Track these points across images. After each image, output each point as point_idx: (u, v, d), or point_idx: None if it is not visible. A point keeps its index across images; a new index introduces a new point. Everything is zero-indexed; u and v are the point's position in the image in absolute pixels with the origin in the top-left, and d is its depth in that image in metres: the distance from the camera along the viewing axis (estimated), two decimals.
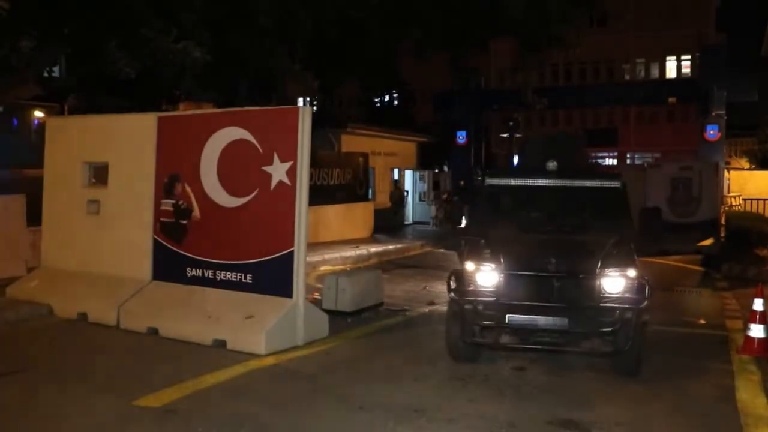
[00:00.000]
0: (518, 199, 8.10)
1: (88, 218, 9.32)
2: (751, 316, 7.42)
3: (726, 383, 6.51)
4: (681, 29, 38.43)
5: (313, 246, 11.61)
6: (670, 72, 40.59)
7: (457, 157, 31.81)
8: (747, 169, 36.57)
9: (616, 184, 7.78)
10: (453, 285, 6.77)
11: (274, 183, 7.72)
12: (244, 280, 7.85)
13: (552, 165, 7.73)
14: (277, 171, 7.69)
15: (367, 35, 19.81)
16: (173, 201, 8.48)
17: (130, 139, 9.22)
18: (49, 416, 5.47)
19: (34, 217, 10.41)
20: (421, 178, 26.98)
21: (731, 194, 23.23)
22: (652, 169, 19.69)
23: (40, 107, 20.89)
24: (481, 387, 6.33)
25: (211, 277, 8.10)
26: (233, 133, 8.09)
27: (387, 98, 41.99)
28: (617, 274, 6.46)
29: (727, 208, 20.44)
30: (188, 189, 8.36)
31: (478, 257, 6.79)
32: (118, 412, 5.54)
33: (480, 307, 6.57)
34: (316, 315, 7.99)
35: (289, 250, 7.57)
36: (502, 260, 6.62)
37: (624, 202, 7.65)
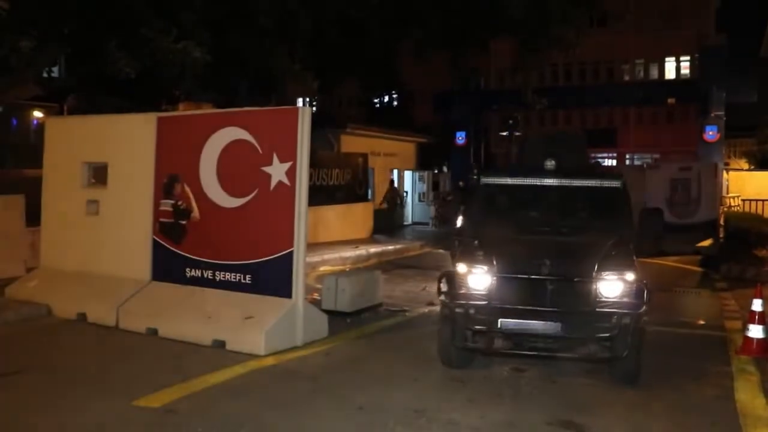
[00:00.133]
0: (515, 199, 7.90)
1: (87, 218, 9.32)
2: (750, 317, 7.43)
3: (725, 384, 6.51)
4: (680, 30, 38.44)
5: (312, 246, 11.61)
6: (670, 73, 40.59)
7: (456, 158, 31.83)
8: (746, 170, 36.58)
9: (616, 183, 7.55)
10: (443, 288, 6.59)
11: (273, 183, 7.72)
12: (243, 281, 7.85)
13: (550, 164, 7.54)
14: (277, 171, 7.69)
15: (366, 35, 19.81)
16: (172, 201, 8.48)
17: (129, 139, 9.22)
18: (49, 417, 5.47)
19: (33, 217, 10.41)
20: (421, 178, 26.99)
21: (730, 195, 23.26)
22: (652, 170, 19.70)
23: (40, 107, 20.89)
24: (481, 387, 6.33)
25: (210, 277, 8.10)
26: (233, 133, 8.09)
27: (386, 99, 42.02)
28: (615, 277, 6.25)
29: (726, 209, 20.45)
30: (187, 189, 8.36)
31: (471, 259, 6.59)
32: (117, 412, 5.54)
33: (472, 311, 6.35)
34: (315, 315, 7.99)
35: (288, 251, 7.57)
36: (494, 262, 6.42)
37: (624, 203, 7.43)
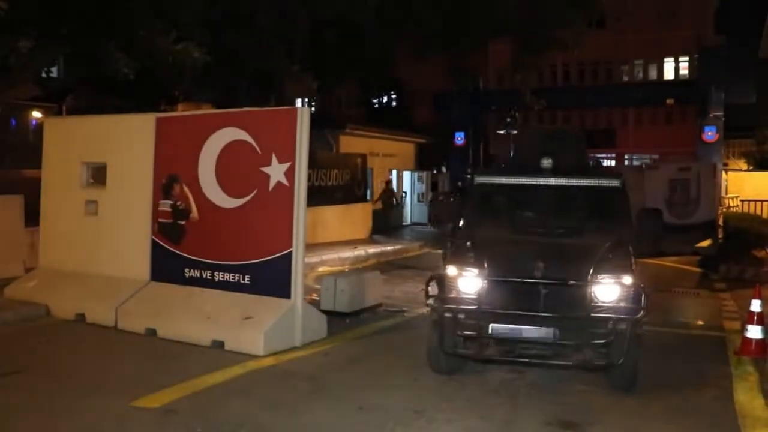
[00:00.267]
0: (510, 199, 7.65)
1: (86, 219, 9.31)
2: (749, 318, 7.43)
3: (724, 384, 6.52)
4: (679, 31, 38.51)
5: (311, 247, 11.60)
6: (669, 73, 40.67)
7: (455, 158, 31.84)
8: (745, 171, 36.57)
9: (615, 183, 7.28)
10: (431, 291, 6.34)
11: (272, 184, 7.71)
12: (242, 281, 7.85)
13: (547, 162, 7.26)
14: (276, 172, 7.68)
15: (365, 36, 19.82)
16: (171, 202, 8.48)
17: (128, 139, 9.21)
18: (47, 417, 5.46)
19: (32, 217, 10.40)
20: (420, 179, 26.99)
21: (729, 195, 23.24)
22: (651, 170, 19.71)
23: (39, 107, 20.85)
24: (480, 388, 6.33)
25: (209, 277, 8.09)
26: (231, 133, 8.08)
27: (385, 99, 42.02)
28: (611, 281, 5.98)
29: (724, 210, 20.45)
30: (186, 190, 8.35)
31: (461, 261, 6.34)
32: (116, 412, 5.53)
33: (461, 316, 6.13)
34: (314, 316, 7.99)
35: (287, 251, 7.57)
36: (485, 265, 6.15)
37: (624, 203, 7.19)
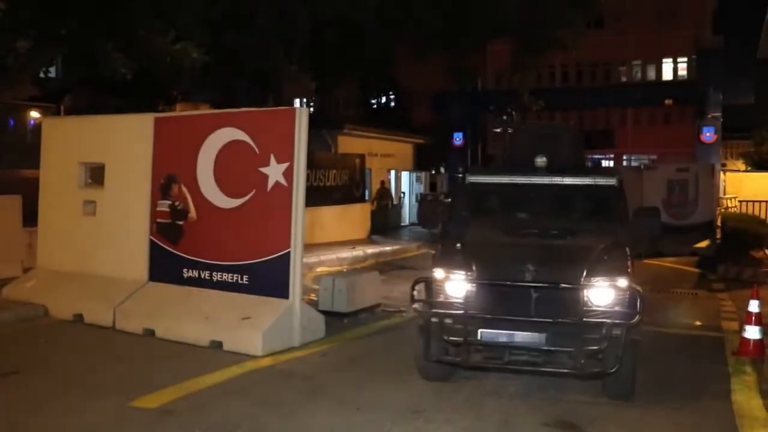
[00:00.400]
0: (502, 199, 7.44)
1: (84, 219, 9.30)
2: (747, 318, 7.43)
3: (722, 384, 6.51)
4: (678, 31, 38.54)
5: (309, 247, 11.60)
6: (667, 74, 40.71)
7: (454, 159, 31.84)
8: (743, 171, 36.61)
9: (612, 181, 7.02)
10: (417, 295, 6.13)
11: (270, 184, 7.71)
12: (240, 281, 7.84)
13: (541, 161, 7.02)
14: (274, 172, 7.68)
15: (365, 36, 19.83)
16: (170, 202, 8.48)
17: (126, 139, 9.21)
18: (45, 417, 5.46)
19: (30, 217, 10.39)
20: (418, 179, 27.00)
21: (727, 196, 23.28)
22: (649, 171, 19.72)
23: (37, 107, 20.86)
24: (478, 388, 6.32)
25: (207, 278, 8.09)
26: (230, 134, 8.08)
27: (384, 100, 42.02)
28: (605, 284, 5.70)
29: (723, 210, 20.47)
30: (185, 190, 8.35)
31: (448, 264, 6.07)
32: (114, 413, 5.53)
33: (448, 321, 5.88)
34: (312, 316, 7.99)
35: (285, 251, 7.56)
36: (474, 267, 5.89)
37: (621, 202, 6.96)
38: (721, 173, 25.13)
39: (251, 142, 7.89)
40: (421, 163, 28.96)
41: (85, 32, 12.16)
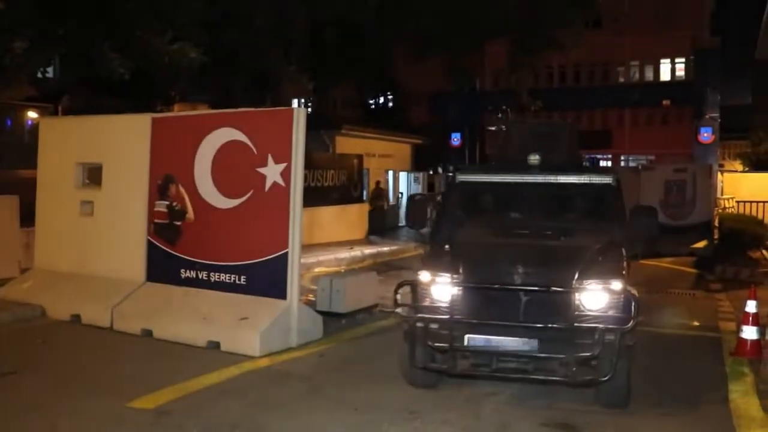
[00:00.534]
0: (494, 199, 7.22)
1: (81, 219, 9.29)
2: (744, 318, 7.43)
3: (719, 385, 6.52)
4: (676, 32, 38.56)
5: (307, 247, 11.60)
6: (665, 75, 40.74)
7: (451, 159, 31.83)
8: (740, 172, 36.66)
9: (607, 180, 6.78)
10: (400, 299, 5.89)
11: (268, 184, 7.71)
12: (238, 282, 7.84)
13: (534, 159, 6.78)
14: (272, 172, 7.68)
15: (363, 37, 19.84)
16: (167, 202, 8.47)
17: (124, 140, 9.20)
18: (43, 418, 5.45)
19: (27, 218, 10.38)
20: (416, 179, 26.98)
21: (725, 197, 23.30)
22: (647, 171, 19.74)
23: (34, 108, 20.82)
24: (477, 389, 6.31)
25: (205, 278, 8.08)
26: (228, 134, 8.08)
27: (382, 100, 42.02)
28: (599, 287, 5.46)
29: (720, 211, 20.50)
30: (182, 190, 8.34)
31: (435, 266, 5.84)
32: (111, 413, 5.53)
33: (433, 327, 5.63)
34: (310, 316, 7.98)
35: (283, 252, 7.56)
36: (461, 270, 5.65)
37: (617, 201, 6.69)
38: (719, 174, 25.14)
39: (249, 143, 7.89)
40: (419, 163, 28.95)
41: (83, 32, 12.15)
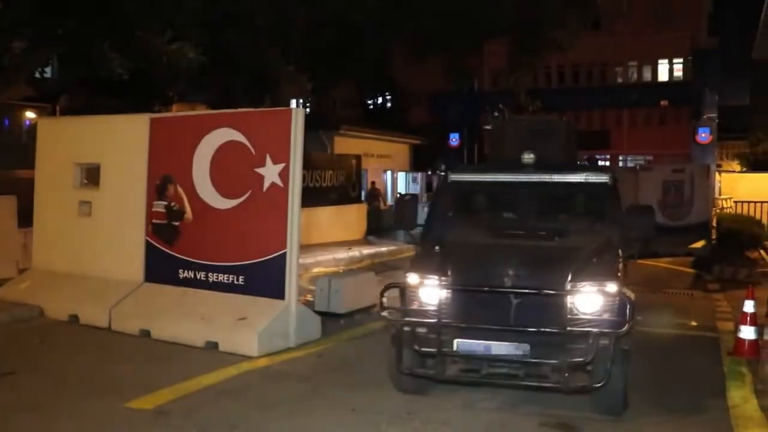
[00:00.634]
0: (487, 198, 7.06)
1: (79, 219, 9.29)
2: (742, 318, 7.44)
3: (717, 385, 6.52)
4: (673, 33, 38.59)
5: (305, 248, 11.60)
6: (663, 75, 40.76)
7: (450, 159, 31.79)
8: (738, 172, 36.69)
9: (603, 178, 6.57)
10: (387, 302, 5.71)
11: (266, 185, 7.71)
12: (236, 282, 7.84)
13: (528, 157, 6.60)
14: (270, 173, 7.68)
15: (361, 37, 19.83)
16: (165, 202, 8.46)
17: (122, 140, 9.19)
18: (40, 418, 5.45)
19: (25, 218, 10.37)
20: (414, 180, 27.00)
21: (723, 197, 23.33)
22: (644, 171, 19.74)
23: (32, 108, 20.82)
24: (475, 389, 6.30)
25: (203, 278, 8.08)
26: (226, 134, 8.08)
27: (380, 100, 42.04)
28: (593, 289, 5.26)
29: (718, 211, 20.52)
30: (180, 190, 8.34)
31: (423, 268, 5.67)
32: (110, 414, 5.52)
33: (421, 331, 5.49)
34: (308, 317, 7.98)
35: (281, 252, 7.56)
36: (449, 272, 5.48)
37: (614, 201, 6.51)
38: (717, 174, 25.20)
39: (247, 143, 7.89)
40: (418, 163, 28.97)
41: (82, 32, 12.13)
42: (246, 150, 7.88)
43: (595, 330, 5.14)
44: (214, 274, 7.99)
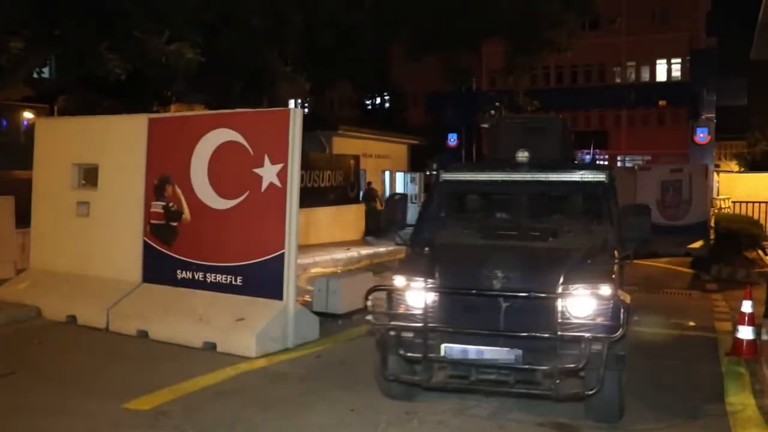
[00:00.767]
0: (480, 198, 6.88)
1: (77, 220, 9.28)
2: (740, 318, 7.45)
3: (715, 385, 6.53)
4: (672, 33, 38.70)
5: (303, 248, 11.59)
6: (661, 75, 40.85)
7: (448, 159, 31.80)
8: (736, 172, 36.78)
9: (600, 177, 6.36)
10: (371, 305, 5.46)
11: (264, 185, 7.70)
12: (234, 283, 7.83)
13: (522, 155, 6.45)
14: (268, 173, 7.67)
15: (359, 37, 19.84)
16: (163, 203, 8.46)
17: (120, 140, 9.19)
18: (38, 419, 5.44)
19: (23, 218, 10.36)
20: (413, 180, 26.99)
21: (721, 197, 23.36)
22: (643, 171, 19.77)
23: (30, 108, 20.80)
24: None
25: (201, 279, 8.07)
26: (224, 135, 8.07)
27: (379, 101, 42.07)
28: (586, 292, 5.05)
29: (716, 211, 20.55)
30: (178, 191, 8.33)
31: (410, 270, 5.50)
32: (108, 414, 5.51)
33: (407, 335, 5.29)
34: (306, 317, 7.98)
35: (279, 252, 7.55)
36: (437, 274, 5.30)
37: (611, 200, 6.28)
38: (715, 174, 25.24)
39: (245, 143, 7.88)
40: (416, 164, 28.97)
41: (80, 32, 12.12)
42: (244, 150, 7.87)
43: (587, 335, 4.92)
44: (212, 275, 7.99)
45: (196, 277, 8.11)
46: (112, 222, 9.01)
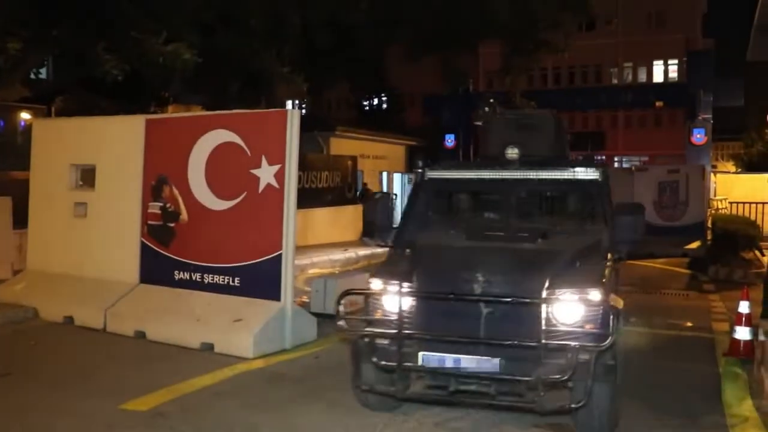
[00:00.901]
0: (468, 197, 6.66)
1: (75, 221, 9.26)
2: (737, 319, 7.46)
3: (712, 385, 6.54)
4: (668, 34, 38.82)
5: (301, 249, 11.58)
6: (658, 76, 40.94)
7: (446, 160, 31.82)
8: (733, 173, 36.83)
9: (593, 175, 6.02)
10: (342, 310, 5.14)
11: (262, 186, 7.70)
12: (232, 283, 7.83)
13: (512, 152, 6.14)
14: (266, 174, 7.67)
15: (357, 38, 19.86)
16: (161, 204, 8.45)
17: (117, 141, 9.18)
18: (35, 420, 5.43)
19: (20, 219, 10.34)
20: (410, 181, 27.00)
21: (718, 198, 23.39)
22: (640, 172, 19.80)
23: (27, 109, 20.77)
24: None
25: (198, 280, 8.07)
26: (221, 135, 8.07)
27: (376, 101, 42.07)
28: (573, 297, 4.69)
29: (713, 212, 20.58)
30: (176, 192, 8.33)
31: (387, 273, 5.21)
32: (105, 415, 5.50)
33: (382, 343, 4.97)
34: (304, 318, 7.98)
35: (277, 253, 7.55)
36: (415, 278, 5.01)
37: (604, 199, 5.96)
38: (712, 175, 25.27)
39: (243, 144, 7.88)
40: (413, 165, 28.96)
41: (77, 33, 12.11)
42: (241, 151, 7.87)
43: (574, 344, 4.57)
44: (210, 276, 7.98)
45: (194, 278, 8.10)
46: (110, 223, 9.00)
